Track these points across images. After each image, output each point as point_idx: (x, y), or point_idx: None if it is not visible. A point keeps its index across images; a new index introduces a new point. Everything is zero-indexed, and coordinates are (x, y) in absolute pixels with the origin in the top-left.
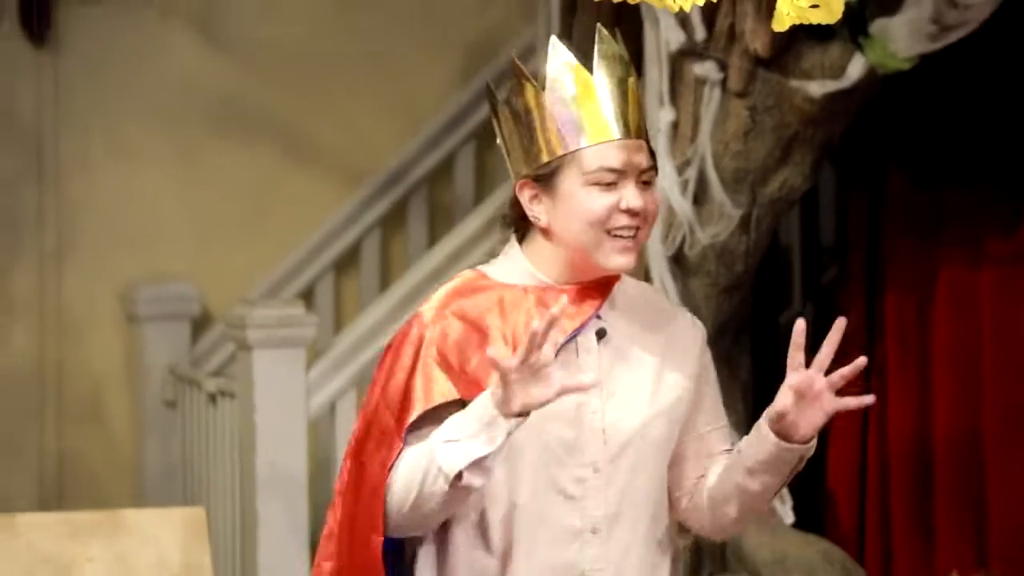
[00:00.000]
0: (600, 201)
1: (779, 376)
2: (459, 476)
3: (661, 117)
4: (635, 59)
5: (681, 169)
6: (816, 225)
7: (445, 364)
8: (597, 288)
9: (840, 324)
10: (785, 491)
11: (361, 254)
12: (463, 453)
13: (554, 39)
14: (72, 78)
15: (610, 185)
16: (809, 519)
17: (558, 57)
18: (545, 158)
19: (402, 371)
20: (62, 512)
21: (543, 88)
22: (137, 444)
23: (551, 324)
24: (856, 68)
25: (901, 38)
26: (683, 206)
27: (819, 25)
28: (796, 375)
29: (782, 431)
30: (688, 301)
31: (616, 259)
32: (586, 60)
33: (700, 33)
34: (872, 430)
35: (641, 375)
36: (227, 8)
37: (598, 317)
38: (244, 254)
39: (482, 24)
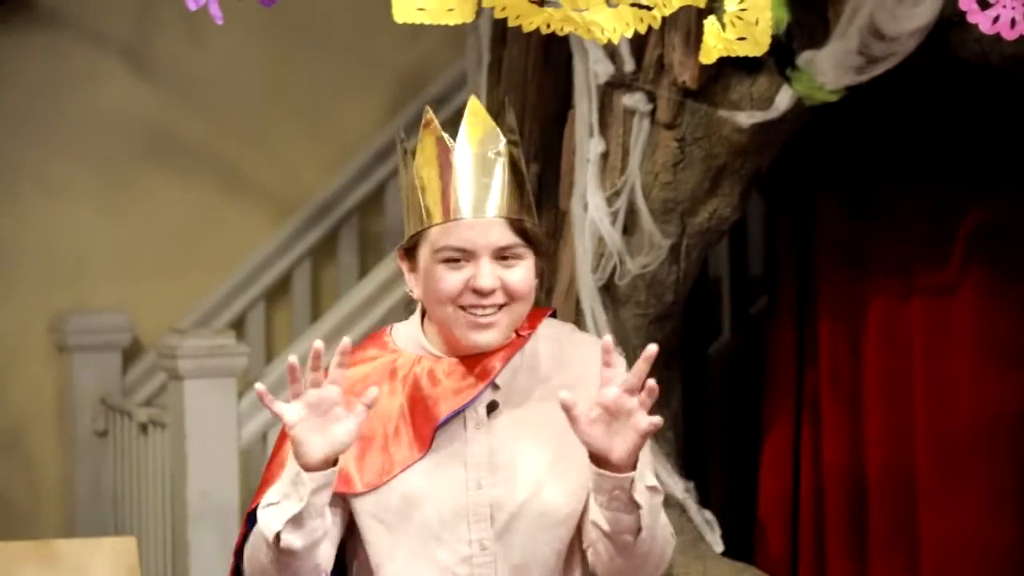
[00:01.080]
0: (448, 279)
1: (708, 406)
2: (278, 538)
3: (591, 148)
4: (566, 91)
5: (611, 200)
6: (745, 255)
7: None
8: (489, 359)
9: (649, 351)
10: (714, 520)
11: (292, 284)
12: (276, 515)
13: (427, 110)
14: (2, 110)
15: (459, 262)
16: (740, 548)
17: (429, 131)
18: (409, 231)
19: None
20: None
21: (413, 160)
22: (68, 474)
23: (315, 358)
24: (784, 99)
25: (828, 70)
26: (613, 236)
27: (747, 57)
28: (608, 391)
29: (597, 456)
30: (618, 331)
31: (473, 336)
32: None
33: (629, 65)
34: (804, 459)
35: (540, 445)
36: (157, 41)
37: (495, 387)
38: (175, 284)
39: (411, 56)
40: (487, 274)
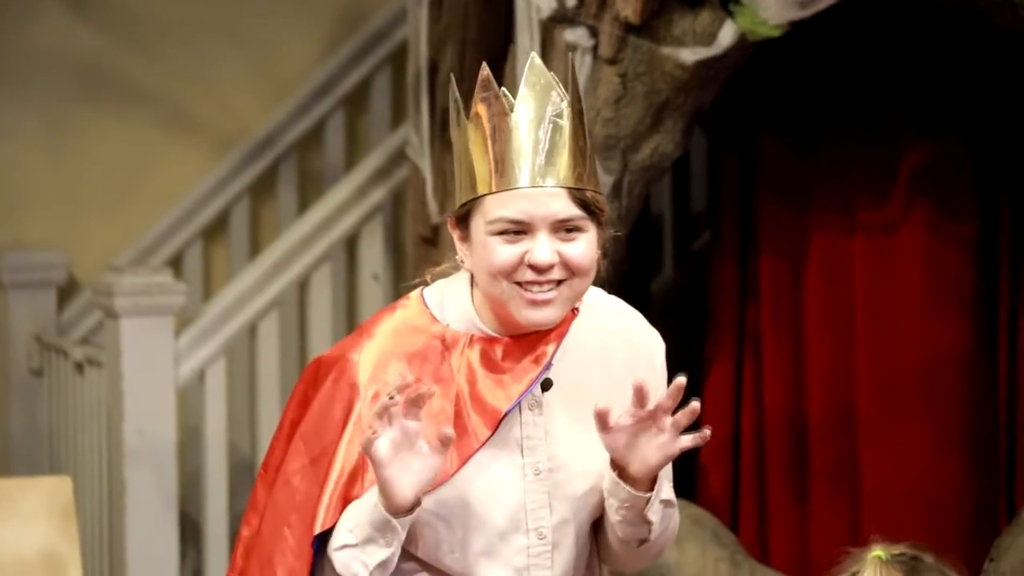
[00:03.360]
0: (502, 253)
1: None
2: None
3: None
4: (507, 26)
5: None
6: (687, 192)
7: None
8: (543, 338)
9: (679, 382)
10: None
11: (230, 221)
12: (361, 561)
13: (484, 67)
14: None
15: (517, 235)
16: (681, 487)
17: (485, 90)
18: (461, 198)
19: (331, 428)
20: None
21: (468, 120)
22: (2, 413)
23: (404, 391)
24: (727, 35)
25: (771, 5)
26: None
27: None
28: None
29: (615, 462)
30: None
31: (529, 314)
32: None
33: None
34: (746, 398)
35: (588, 424)
36: None
37: (548, 366)
38: (111, 222)
39: None
40: (545, 249)
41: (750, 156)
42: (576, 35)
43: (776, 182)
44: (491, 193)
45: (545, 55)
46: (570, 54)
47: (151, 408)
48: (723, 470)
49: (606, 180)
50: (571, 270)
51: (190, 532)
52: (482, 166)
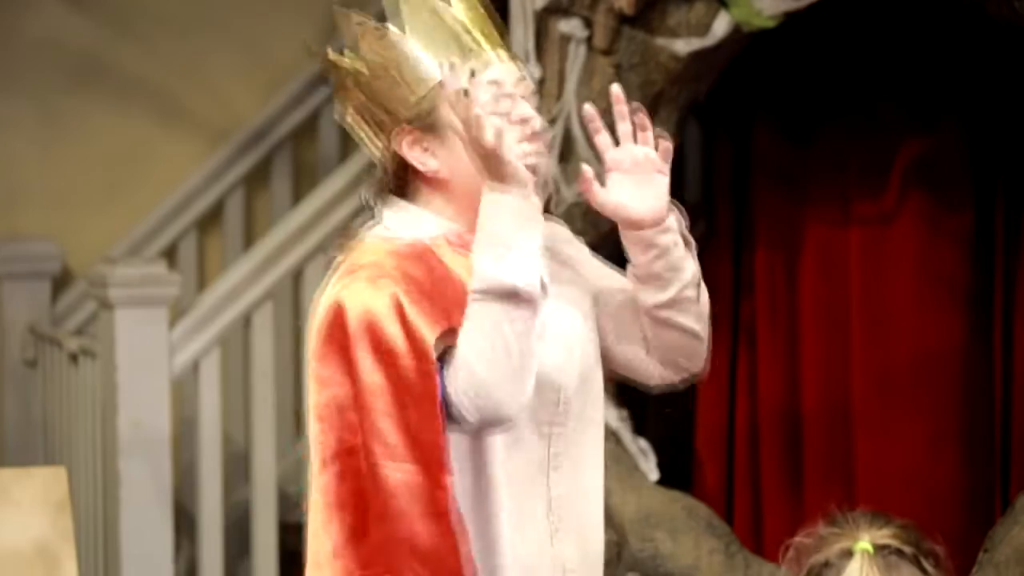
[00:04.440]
0: None
1: None
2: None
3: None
4: (501, 16)
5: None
6: (682, 183)
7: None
8: None
9: (616, 91)
10: (649, 448)
11: (225, 212)
12: (527, 263)
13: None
14: None
15: None
16: (676, 478)
17: None
18: (420, 93)
19: (396, 334)
20: None
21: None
22: None
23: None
24: (721, 26)
25: None
26: (548, 164)
27: None
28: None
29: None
30: None
31: None
32: None
33: None
34: (741, 389)
35: (562, 312)
36: None
37: None
38: (106, 213)
39: None
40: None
41: (745, 148)
42: (570, 26)
43: (771, 174)
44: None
45: (539, 45)
46: None
47: (145, 399)
48: (718, 461)
49: (600, 171)
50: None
51: (185, 523)
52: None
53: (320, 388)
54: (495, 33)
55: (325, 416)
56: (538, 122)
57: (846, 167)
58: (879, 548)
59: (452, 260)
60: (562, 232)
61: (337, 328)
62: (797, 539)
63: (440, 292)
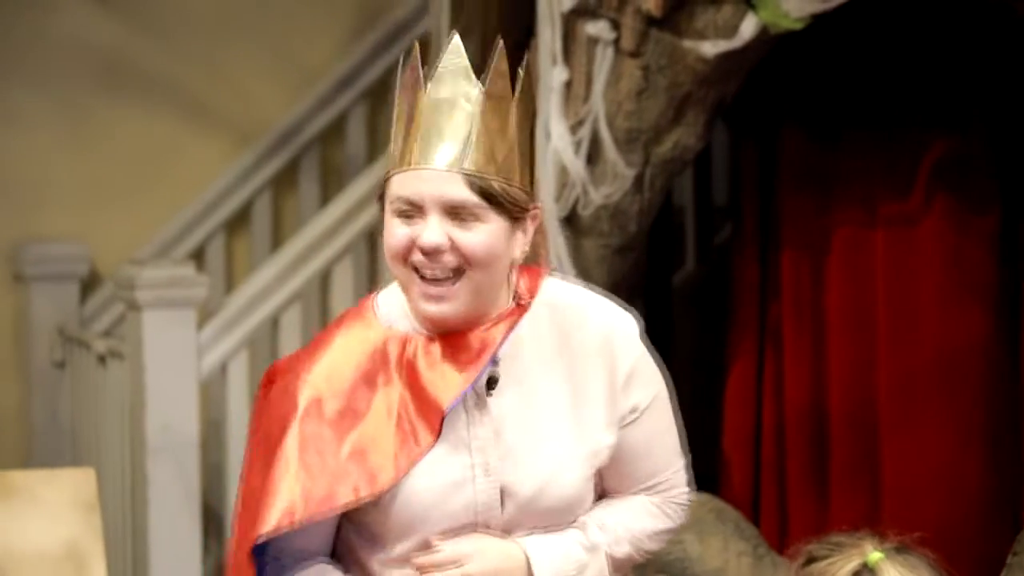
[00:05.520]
0: (396, 233)
1: (672, 336)
2: None
3: (554, 76)
4: (529, 18)
5: (574, 129)
6: (709, 185)
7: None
8: (488, 331)
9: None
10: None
11: (252, 214)
12: None
13: (415, 45)
14: None
15: (411, 217)
16: (704, 480)
17: (409, 68)
18: (384, 176)
19: (274, 437)
20: None
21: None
22: (24, 405)
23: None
24: (748, 28)
25: None
26: (576, 166)
27: None
28: None
29: None
30: (580, 262)
31: (425, 307)
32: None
33: None
34: (767, 391)
35: (548, 424)
36: None
37: (495, 361)
38: (134, 214)
39: None
40: (433, 231)
41: (772, 150)
42: (598, 28)
43: (798, 176)
44: (395, 172)
45: (567, 48)
46: (527, 54)
47: (174, 401)
48: (745, 463)
49: (627, 173)
50: (466, 259)
51: (213, 524)
52: (396, 143)
53: None
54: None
55: None
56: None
57: (872, 169)
58: (891, 552)
59: (398, 365)
60: (617, 329)
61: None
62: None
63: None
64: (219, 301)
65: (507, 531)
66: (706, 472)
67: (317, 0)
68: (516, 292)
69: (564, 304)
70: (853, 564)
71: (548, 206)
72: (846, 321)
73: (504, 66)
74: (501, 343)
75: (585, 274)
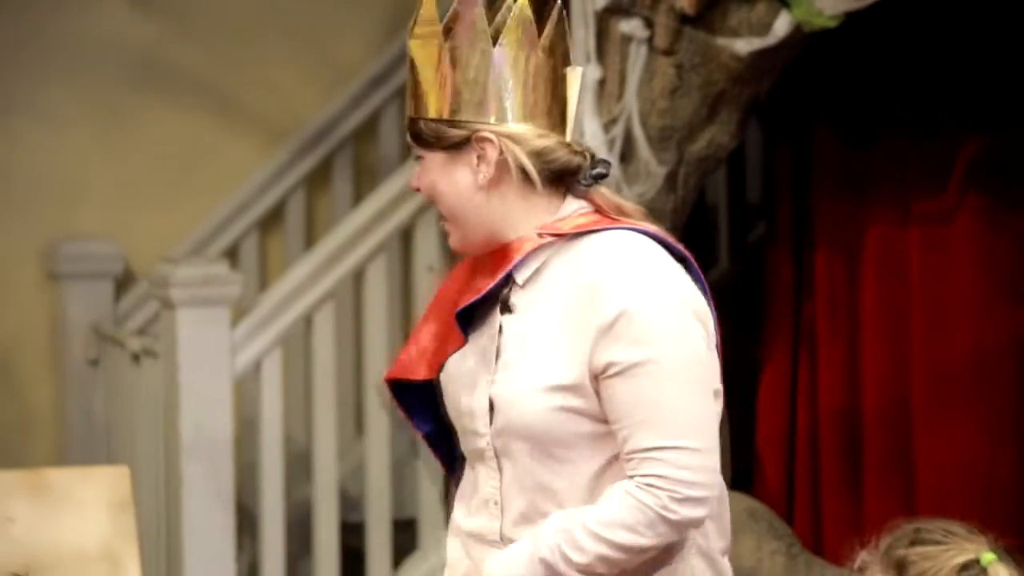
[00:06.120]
0: None
1: None
2: None
3: (587, 75)
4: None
5: (608, 127)
6: (743, 183)
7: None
8: (510, 254)
9: None
10: None
11: (286, 212)
12: None
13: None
14: None
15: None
16: (737, 479)
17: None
18: None
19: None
20: None
21: None
22: (59, 403)
23: None
24: (782, 25)
25: None
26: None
27: None
28: None
29: None
30: None
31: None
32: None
33: None
34: (802, 390)
35: (537, 351)
36: None
37: (511, 286)
38: (167, 212)
39: None
40: (415, 172)
41: (805, 149)
42: (631, 26)
43: (831, 175)
44: None
45: (600, 46)
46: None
47: (207, 399)
48: (778, 463)
49: (661, 171)
50: (430, 198)
51: (246, 523)
52: None
53: None
54: None
55: None
56: None
57: (906, 167)
58: (1003, 553)
59: (465, 273)
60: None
61: None
62: (864, 555)
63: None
64: (253, 299)
65: (499, 447)
66: (740, 471)
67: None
68: (547, 224)
69: (591, 255)
70: (965, 557)
71: None
72: (880, 320)
73: (430, 11)
74: (509, 272)
75: None
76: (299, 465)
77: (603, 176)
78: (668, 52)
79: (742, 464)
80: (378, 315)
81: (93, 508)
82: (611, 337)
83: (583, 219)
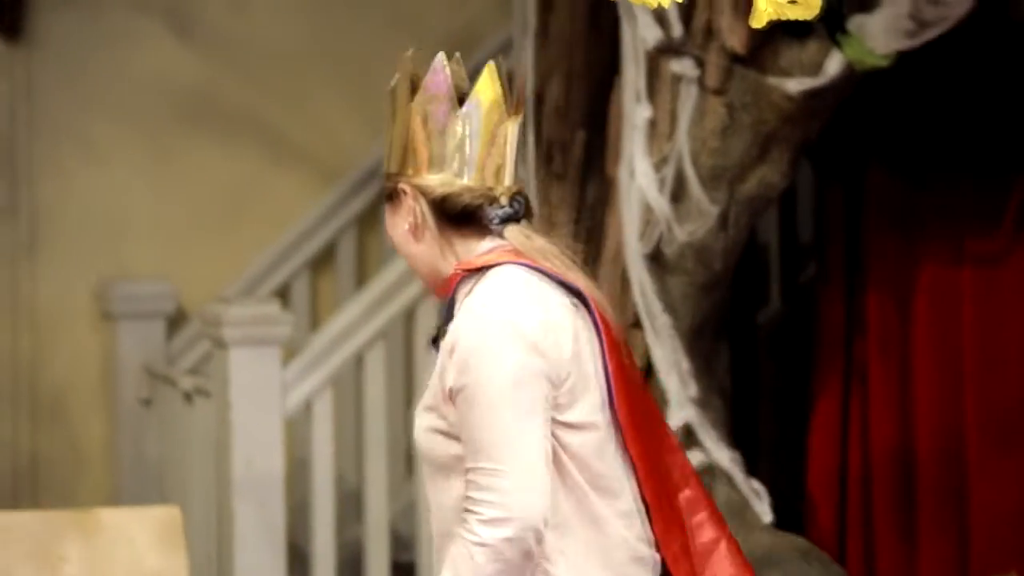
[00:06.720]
0: None
1: (756, 375)
2: None
3: (638, 114)
4: (613, 56)
5: (659, 167)
6: (794, 223)
7: None
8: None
9: None
10: (763, 489)
11: (337, 252)
12: None
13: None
14: (45, 75)
15: None
16: (789, 520)
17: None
18: None
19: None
20: (36, 511)
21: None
22: (111, 443)
23: None
24: (833, 65)
25: (878, 35)
26: (660, 204)
27: (796, 21)
28: None
29: None
30: (666, 299)
31: None
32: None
33: (677, 30)
34: (853, 430)
35: (428, 390)
36: (199, 5)
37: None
38: (219, 252)
39: (458, 20)
40: None
41: (857, 189)
42: (682, 65)
43: (884, 215)
44: None
45: (651, 85)
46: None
47: (259, 438)
48: (830, 503)
49: (712, 211)
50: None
51: (297, 563)
52: None
53: None
54: None
55: None
56: None
57: (959, 208)
58: None
59: None
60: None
61: None
62: None
63: None
64: (304, 339)
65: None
66: (791, 512)
67: (402, 38)
68: (462, 261)
69: (468, 301)
70: None
71: (632, 244)
72: (933, 359)
73: (398, 77)
74: (446, 306)
75: (671, 311)
76: (350, 504)
77: (510, 216)
78: (719, 91)
79: (793, 505)
80: (429, 354)
81: (145, 547)
82: (451, 363)
83: (491, 256)
